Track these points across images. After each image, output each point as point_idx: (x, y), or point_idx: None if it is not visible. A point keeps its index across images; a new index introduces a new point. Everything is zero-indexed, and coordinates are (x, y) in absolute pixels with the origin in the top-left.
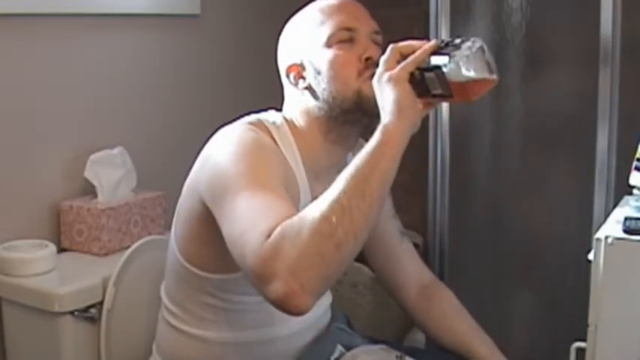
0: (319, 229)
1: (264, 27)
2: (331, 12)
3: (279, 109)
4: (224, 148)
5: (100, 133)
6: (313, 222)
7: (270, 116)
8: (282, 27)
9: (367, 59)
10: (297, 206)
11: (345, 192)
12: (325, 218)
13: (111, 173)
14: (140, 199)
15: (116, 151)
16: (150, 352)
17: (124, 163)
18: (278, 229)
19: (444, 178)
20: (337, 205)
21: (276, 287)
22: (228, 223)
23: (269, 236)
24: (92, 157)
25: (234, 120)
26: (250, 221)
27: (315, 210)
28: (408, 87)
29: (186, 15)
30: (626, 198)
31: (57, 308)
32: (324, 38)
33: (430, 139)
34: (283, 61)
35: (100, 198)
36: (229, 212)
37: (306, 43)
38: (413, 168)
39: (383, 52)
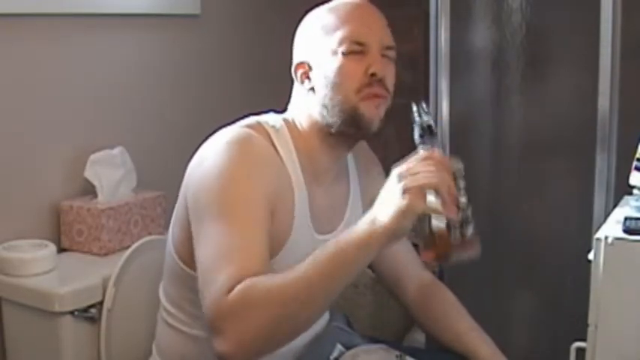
0: (275, 309)
1: (264, 27)
2: (346, 19)
3: (279, 110)
4: (215, 158)
5: (100, 133)
6: (272, 300)
7: (270, 119)
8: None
9: (372, 75)
10: (291, 211)
11: (311, 278)
12: (284, 302)
13: (111, 173)
14: (140, 199)
15: (116, 151)
16: (150, 352)
17: (124, 163)
18: (241, 289)
19: None
20: (301, 290)
21: (221, 343)
22: (199, 250)
23: (231, 290)
24: (92, 157)
25: (235, 121)
26: (218, 263)
27: (278, 287)
28: (418, 210)
29: (186, 15)
30: (626, 198)
31: (57, 308)
32: (334, 45)
33: None
34: (295, 57)
35: (100, 198)
36: (203, 238)
37: (317, 45)
38: None
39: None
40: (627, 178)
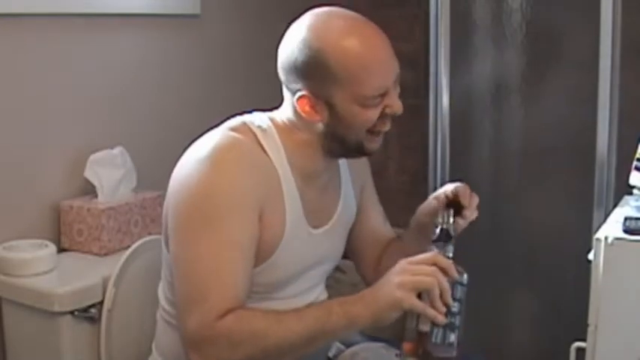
0: (255, 351)
1: (264, 27)
2: (370, 68)
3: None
4: (196, 167)
5: (100, 133)
6: (255, 343)
7: (256, 119)
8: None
9: (385, 117)
10: (282, 210)
11: (293, 333)
12: (264, 347)
13: (111, 173)
14: (140, 199)
15: (116, 151)
16: (150, 352)
17: (124, 163)
18: (232, 321)
19: (444, 178)
20: (282, 341)
21: (196, 359)
22: (180, 263)
23: (221, 316)
24: (92, 157)
25: (220, 123)
26: (205, 285)
27: (264, 332)
28: (405, 306)
29: (186, 15)
30: (626, 198)
31: (57, 308)
32: (358, 97)
33: (430, 139)
34: (293, 80)
35: (100, 198)
36: (185, 252)
37: (332, 87)
38: (413, 169)
39: None
40: (627, 178)
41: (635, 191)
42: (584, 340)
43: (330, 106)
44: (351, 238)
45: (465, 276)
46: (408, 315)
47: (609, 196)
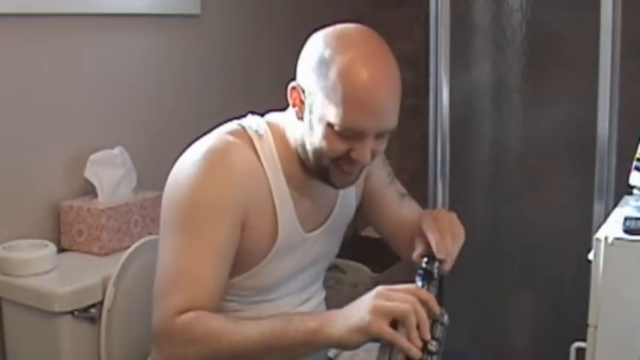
0: (207, 352)
1: (264, 27)
2: (353, 102)
3: (277, 109)
4: (186, 171)
5: (100, 133)
6: (208, 343)
7: (254, 123)
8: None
9: (350, 158)
10: (272, 217)
11: (249, 340)
12: (215, 350)
13: (111, 173)
14: (140, 199)
15: (116, 151)
16: (150, 352)
17: (124, 163)
18: (188, 320)
19: (444, 178)
20: (236, 346)
21: (156, 354)
22: (162, 258)
23: (181, 313)
24: (92, 157)
25: (218, 125)
26: (176, 280)
27: (219, 334)
28: (374, 332)
29: (186, 15)
30: (626, 198)
31: (57, 308)
32: (330, 117)
33: (430, 139)
34: (299, 73)
35: (100, 198)
36: (165, 251)
37: (316, 95)
38: (413, 168)
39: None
40: (627, 178)
41: (635, 191)
42: (584, 340)
43: (310, 113)
44: (378, 227)
45: (446, 317)
46: (380, 349)
47: (609, 196)
